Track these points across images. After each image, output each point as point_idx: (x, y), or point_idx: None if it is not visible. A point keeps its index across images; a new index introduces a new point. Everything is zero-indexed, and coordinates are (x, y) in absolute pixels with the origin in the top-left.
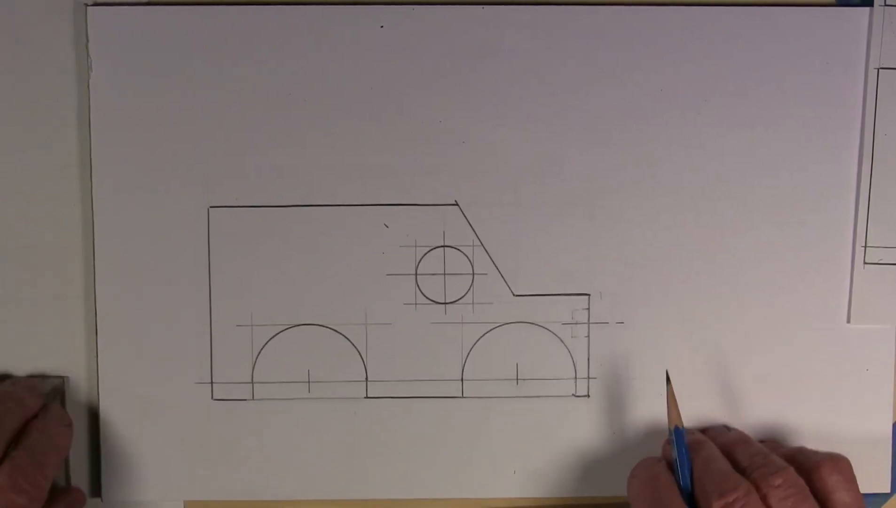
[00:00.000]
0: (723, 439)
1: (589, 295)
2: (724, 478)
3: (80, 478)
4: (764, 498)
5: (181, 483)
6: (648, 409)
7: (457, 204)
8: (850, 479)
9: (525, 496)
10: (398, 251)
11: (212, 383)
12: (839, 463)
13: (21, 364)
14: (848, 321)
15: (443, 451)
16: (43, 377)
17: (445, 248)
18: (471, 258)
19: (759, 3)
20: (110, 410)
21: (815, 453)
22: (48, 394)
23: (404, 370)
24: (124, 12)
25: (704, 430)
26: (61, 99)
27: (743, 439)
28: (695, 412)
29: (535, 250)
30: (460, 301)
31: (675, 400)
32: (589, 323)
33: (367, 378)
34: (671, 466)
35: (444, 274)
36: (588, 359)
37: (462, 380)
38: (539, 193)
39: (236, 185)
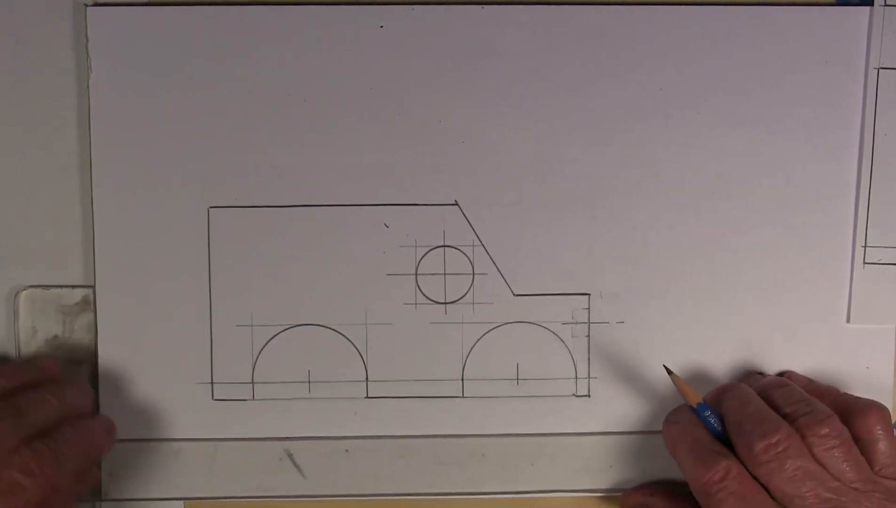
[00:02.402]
0: (757, 384)
1: (589, 295)
2: (764, 419)
3: None
4: (808, 447)
5: (181, 483)
6: (648, 409)
7: (457, 204)
8: (891, 429)
9: (525, 495)
10: (398, 251)
11: (212, 383)
12: (884, 413)
13: None
14: (848, 321)
15: (442, 451)
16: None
17: (445, 248)
18: (471, 258)
19: (759, 3)
20: (110, 410)
21: (857, 399)
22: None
23: (404, 370)
24: (124, 12)
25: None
26: (61, 99)
27: (780, 383)
28: None
29: (535, 249)
30: (460, 301)
31: (683, 383)
32: (589, 323)
33: (367, 378)
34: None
35: (444, 274)
36: (588, 359)
37: (462, 380)
38: (539, 193)
39: (236, 185)
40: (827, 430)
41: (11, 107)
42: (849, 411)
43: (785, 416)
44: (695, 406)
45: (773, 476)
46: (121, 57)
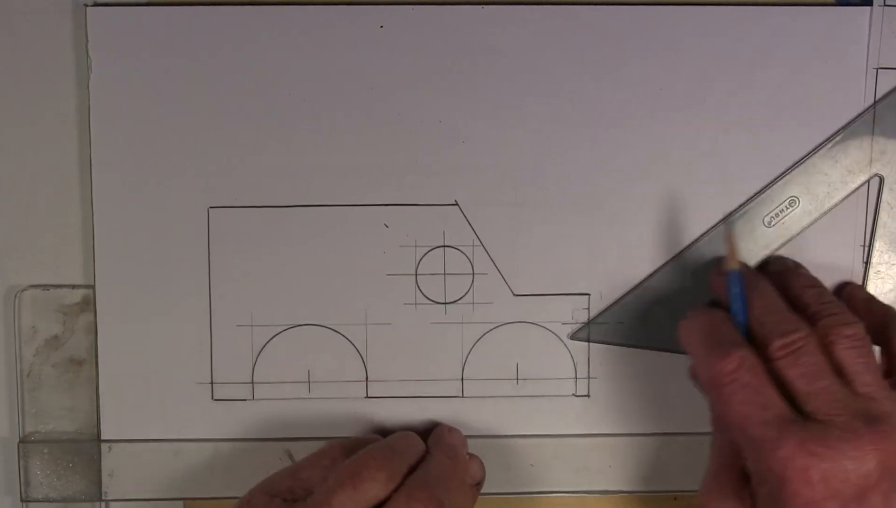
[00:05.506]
0: (789, 276)
1: (589, 295)
2: (786, 319)
3: (80, 478)
4: (829, 345)
5: (181, 483)
6: (648, 409)
7: (457, 204)
8: None
9: (525, 495)
10: (398, 251)
11: (212, 383)
12: None
13: None
14: None
15: None
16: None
17: (445, 248)
18: (471, 258)
19: (759, 3)
20: (110, 410)
21: (888, 311)
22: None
23: (404, 370)
24: (124, 12)
25: (767, 263)
26: (61, 99)
27: (813, 282)
28: (695, 407)
29: (535, 250)
30: (460, 301)
31: (734, 242)
32: (589, 323)
33: (367, 378)
34: (725, 307)
35: (444, 274)
36: (588, 359)
37: (462, 380)
38: (539, 193)
39: (236, 185)
40: (851, 332)
41: (11, 107)
42: (888, 328)
43: (812, 314)
44: (732, 271)
45: (787, 370)
46: (121, 57)
